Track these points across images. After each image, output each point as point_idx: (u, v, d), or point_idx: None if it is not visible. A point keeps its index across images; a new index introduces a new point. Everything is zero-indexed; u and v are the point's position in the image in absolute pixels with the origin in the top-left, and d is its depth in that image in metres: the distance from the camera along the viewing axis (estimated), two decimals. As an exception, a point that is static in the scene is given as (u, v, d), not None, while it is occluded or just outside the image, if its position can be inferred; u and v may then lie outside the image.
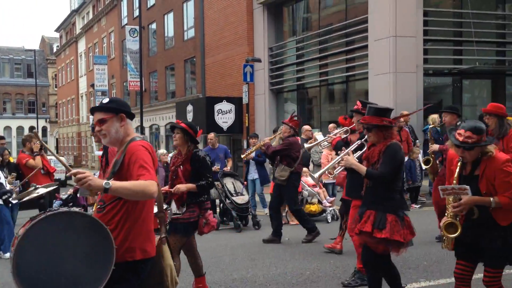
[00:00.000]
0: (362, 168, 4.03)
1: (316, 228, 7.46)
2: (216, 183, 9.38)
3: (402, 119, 10.76)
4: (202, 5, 22.71)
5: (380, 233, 3.82)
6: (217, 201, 9.80)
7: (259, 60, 16.68)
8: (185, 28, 24.99)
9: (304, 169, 8.56)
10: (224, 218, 9.54)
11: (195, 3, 23.61)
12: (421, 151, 11.18)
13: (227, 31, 20.88)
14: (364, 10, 14.58)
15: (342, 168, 4.35)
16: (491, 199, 3.38)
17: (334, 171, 4.57)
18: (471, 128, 3.37)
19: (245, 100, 15.89)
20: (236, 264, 6.37)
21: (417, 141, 11.38)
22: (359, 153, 4.44)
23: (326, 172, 4.73)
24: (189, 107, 20.89)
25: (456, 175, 3.47)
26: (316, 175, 4.88)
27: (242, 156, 9.21)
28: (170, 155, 9.81)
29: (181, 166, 4.63)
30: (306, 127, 10.46)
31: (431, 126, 11.09)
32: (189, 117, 20.55)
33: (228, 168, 9.95)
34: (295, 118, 7.53)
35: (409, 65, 13.43)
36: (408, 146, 10.56)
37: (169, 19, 26.62)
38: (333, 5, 17.28)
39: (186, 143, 4.67)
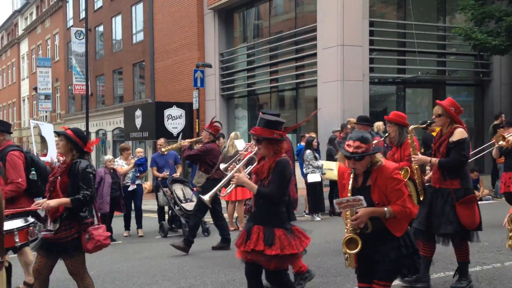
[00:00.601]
0: (253, 187, 3.92)
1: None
2: (165, 189, 9.23)
3: (349, 126, 11.05)
4: (151, 9, 22.37)
5: (271, 249, 3.75)
6: (166, 208, 9.61)
7: (209, 66, 16.61)
8: (134, 31, 24.52)
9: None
10: (173, 225, 9.36)
11: (144, 6, 23.23)
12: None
13: (177, 35, 20.67)
14: (313, 19, 14.88)
15: (234, 186, 4.19)
16: (385, 209, 3.38)
17: (226, 190, 4.38)
18: (359, 138, 3.35)
19: (195, 106, 15.75)
20: (184, 272, 6.25)
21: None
22: (250, 167, 4.32)
23: (218, 191, 4.44)
24: (138, 112, 20.46)
25: (349, 187, 3.40)
26: (207, 197, 4.55)
27: (163, 149, 9.04)
28: (117, 160, 9.54)
29: (59, 177, 4.14)
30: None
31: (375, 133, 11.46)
32: (138, 122, 20.11)
33: (177, 174, 9.79)
34: (215, 124, 7.44)
35: (356, 74, 13.81)
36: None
37: (117, 22, 26.02)
38: (283, 13, 17.52)
39: (70, 151, 4.18)
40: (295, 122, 16.37)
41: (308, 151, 9.94)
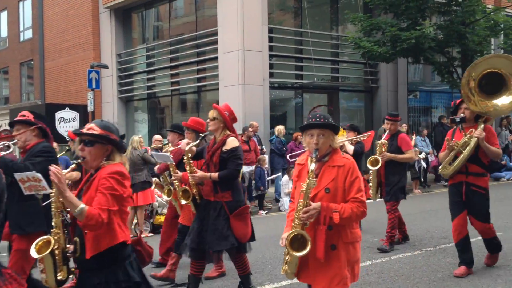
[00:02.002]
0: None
1: None
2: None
3: (250, 129, 11.22)
4: (41, 5, 20.87)
5: None
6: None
7: (105, 66, 15.87)
8: (21, 28, 22.72)
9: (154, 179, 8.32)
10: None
11: (32, 2, 21.63)
12: (267, 159, 11.75)
13: (70, 34, 19.53)
14: (213, 23, 14.91)
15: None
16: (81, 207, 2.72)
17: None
18: (100, 124, 3.01)
19: (90, 108, 14.93)
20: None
21: (264, 148, 11.93)
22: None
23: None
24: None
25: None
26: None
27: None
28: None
29: None
30: (157, 136, 10.21)
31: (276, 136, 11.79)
32: (26, 125, 18.59)
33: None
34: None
35: (256, 78, 14.08)
36: (256, 154, 11.04)
37: (2, 17, 23.92)
38: (184, 15, 17.34)
39: None
40: (196, 126, 16.24)
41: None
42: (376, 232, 7.57)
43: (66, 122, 17.56)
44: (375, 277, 5.39)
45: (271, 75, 14.77)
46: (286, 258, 3.09)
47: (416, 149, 12.92)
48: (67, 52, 19.75)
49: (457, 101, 5.30)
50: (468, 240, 5.24)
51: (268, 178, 11.26)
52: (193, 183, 4.59)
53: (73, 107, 17.81)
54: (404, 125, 13.27)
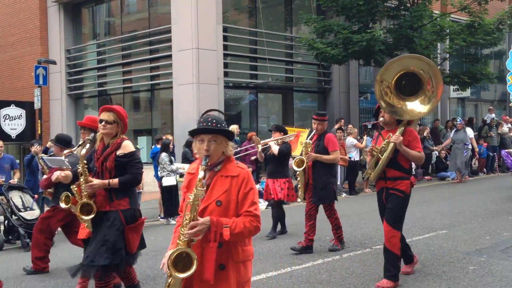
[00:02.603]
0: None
1: None
2: (0, 197, 8.24)
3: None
4: (-16, -3, 19.84)
5: None
6: (1, 217, 8.56)
7: (54, 62, 15.30)
8: (-38, 20, 21.44)
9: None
10: (10, 237, 8.35)
11: (-26, -7, 20.49)
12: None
13: (16, 28, 18.70)
14: (167, 20, 14.69)
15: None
16: None
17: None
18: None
19: (37, 105, 14.35)
20: (22, 287, 5.62)
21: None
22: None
23: None
24: (-33, 112, 17.93)
25: None
26: None
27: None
28: None
29: None
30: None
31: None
32: (-33, 123, 17.62)
33: (15, 180, 8.79)
34: None
35: (211, 77, 13.99)
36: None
37: None
38: (137, 11, 16.98)
39: None
40: (150, 124, 16.00)
41: (163, 154, 9.74)
42: (329, 230, 7.70)
43: (12, 120, 16.81)
44: (326, 275, 5.47)
45: (226, 74, 14.73)
46: (169, 280, 2.69)
47: (367, 149, 13.27)
48: (12, 47, 18.91)
49: (378, 105, 5.09)
50: (403, 242, 5.00)
51: None
52: (87, 194, 4.09)
53: (19, 104, 17.08)
54: (420, 126, 13.90)
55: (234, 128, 12.19)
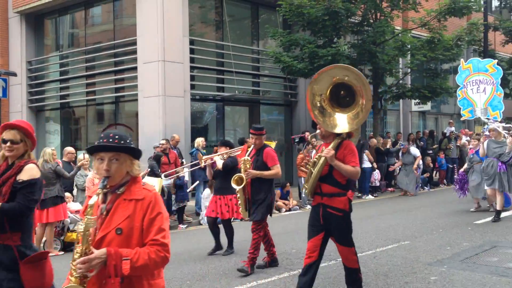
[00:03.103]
0: None
1: None
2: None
3: (162, 142, 11.07)
4: None
5: None
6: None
7: (14, 74, 14.90)
8: None
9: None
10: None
11: None
12: (188, 172, 11.61)
13: (-25, 38, 18.11)
14: (133, 32, 14.56)
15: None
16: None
17: None
18: None
19: (-4, 118, 13.90)
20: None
21: (184, 162, 11.78)
22: None
23: None
24: None
25: None
26: None
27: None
28: None
29: None
30: (68, 149, 9.73)
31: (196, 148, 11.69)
32: None
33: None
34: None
35: (177, 90, 13.91)
36: (176, 167, 10.86)
37: None
38: (101, 23, 16.77)
39: None
40: (114, 138, 15.68)
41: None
42: (295, 242, 7.71)
43: (-32, 133, 16.19)
44: (292, 289, 5.46)
45: (193, 87, 14.68)
46: None
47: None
48: (-30, 57, 18.31)
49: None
50: (313, 265, 4.71)
51: (188, 190, 11.13)
52: None
53: (-24, 117, 16.49)
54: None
55: (199, 141, 12.13)
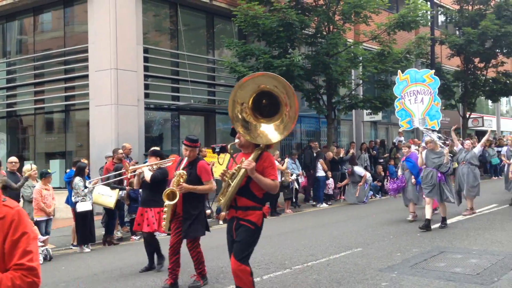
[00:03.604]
0: None
1: None
2: None
3: (120, 151, 10.80)
4: None
5: None
6: None
7: (-43, 81, 14.17)
8: None
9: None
10: None
11: None
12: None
13: None
14: (84, 39, 14.22)
15: None
16: None
17: None
18: None
19: None
20: None
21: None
22: None
23: None
24: None
25: None
26: None
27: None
28: None
29: None
30: (12, 158, 9.31)
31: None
32: None
33: None
34: None
35: (130, 98, 13.66)
36: (129, 177, 10.62)
37: None
38: (51, 30, 16.26)
39: None
40: (64, 147, 15.21)
41: (77, 178, 9.27)
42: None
43: None
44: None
45: (147, 95, 14.46)
46: None
47: (288, 170, 13.59)
48: None
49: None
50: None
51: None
52: None
53: None
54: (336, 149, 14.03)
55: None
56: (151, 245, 6.96)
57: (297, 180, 14.04)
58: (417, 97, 11.47)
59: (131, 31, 13.75)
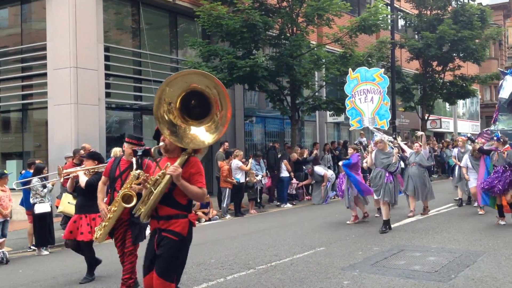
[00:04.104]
0: None
1: None
2: None
3: (82, 152, 10.53)
4: None
5: None
6: None
7: None
8: None
9: None
10: None
11: None
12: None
13: None
14: (42, 36, 13.78)
15: None
16: None
17: None
18: None
19: None
20: None
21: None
22: None
23: None
24: None
25: None
26: None
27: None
28: None
29: None
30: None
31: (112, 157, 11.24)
32: None
33: None
34: None
35: (91, 98, 13.34)
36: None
37: None
38: (8, 27, 15.68)
39: None
40: (21, 147, 14.70)
41: (35, 179, 8.96)
42: (213, 252, 7.66)
43: None
44: (210, 300, 5.40)
45: (108, 95, 14.16)
46: None
47: (252, 171, 13.61)
48: None
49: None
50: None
51: None
52: None
53: None
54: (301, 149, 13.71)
55: (117, 150, 11.68)
56: (87, 255, 6.38)
57: (261, 180, 14.08)
58: (367, 96, 11.32)
59: (91, 29, 13.43)
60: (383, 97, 11.19)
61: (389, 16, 17.73)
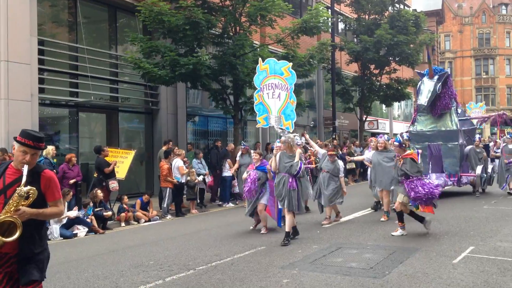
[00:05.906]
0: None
1: None
2: None
3: (13, 151, 9.97)
4: None
5: None
6: None
7: None
8: None
9: None
10: None
11: None
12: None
13: None
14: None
15: None
16: None
17: None
18: None
19: None
20: None
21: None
22: None
23: None
24: None
25: None
26: None
27: None
28: None
29: None
30: None
31: (44, 157, 10.73)
32: None
33: None
34: None
35: (23, 93, 12.64)
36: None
37: None
38: None
39: None
40: None
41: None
42: (151, 254, 7.49)
43: None
44: (148, 303, 5.26)
45: (42, 90, 13.49)
46: None
47: (193, 170, 13.45)
48: None
49: None
50: None
51: None
52: None
53: None
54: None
55: (50, 149, 11.16)
56: None
57: (204, 180, 13.95)
58: (274, 92, 10.08)
59: (24, 21, 12.71)
60: (290, 94, 9.96)
61: (329, 19, 18.14)
